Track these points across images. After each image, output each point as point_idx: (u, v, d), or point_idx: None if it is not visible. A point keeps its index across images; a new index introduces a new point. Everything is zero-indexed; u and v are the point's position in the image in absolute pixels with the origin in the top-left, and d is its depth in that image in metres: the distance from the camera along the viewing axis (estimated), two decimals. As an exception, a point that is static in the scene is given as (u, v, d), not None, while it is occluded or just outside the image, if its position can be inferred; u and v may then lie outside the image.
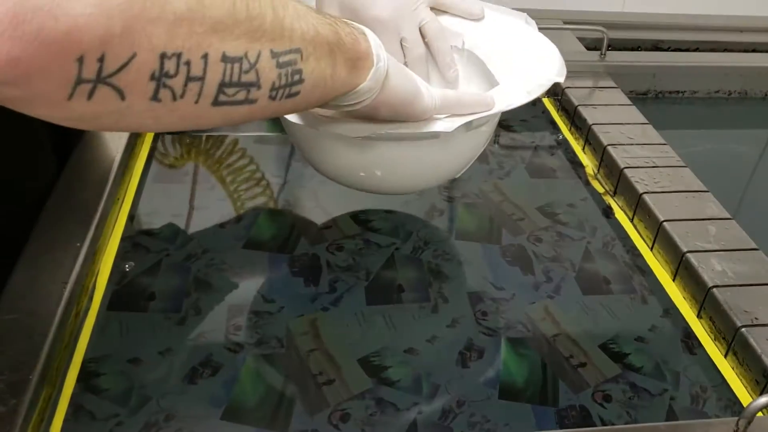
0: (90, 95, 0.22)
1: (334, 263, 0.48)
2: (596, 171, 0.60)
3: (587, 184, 0.59)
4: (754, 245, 0.48)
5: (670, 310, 0.46)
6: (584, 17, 0.80)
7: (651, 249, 0.51)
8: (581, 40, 0.77)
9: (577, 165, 0.61)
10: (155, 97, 0.24)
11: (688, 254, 0.46)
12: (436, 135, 0.38)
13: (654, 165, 0.56)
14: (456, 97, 0.39)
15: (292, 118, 0.37)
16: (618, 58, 0.73)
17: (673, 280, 0.48)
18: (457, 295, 0.46)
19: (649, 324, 0.45)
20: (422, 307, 0.45)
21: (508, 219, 0.53)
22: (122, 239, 0.48)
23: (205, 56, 0.24)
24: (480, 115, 0.38)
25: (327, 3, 0.47)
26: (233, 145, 0.60)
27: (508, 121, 0.67)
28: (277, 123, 0.59)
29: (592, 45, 0.76)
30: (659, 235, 0.50)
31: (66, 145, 0.52)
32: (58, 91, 0.22)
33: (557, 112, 0.69)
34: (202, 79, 0.25)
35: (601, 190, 0.58)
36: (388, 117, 0.36)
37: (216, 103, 0.26)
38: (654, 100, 0.74)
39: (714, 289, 0.43)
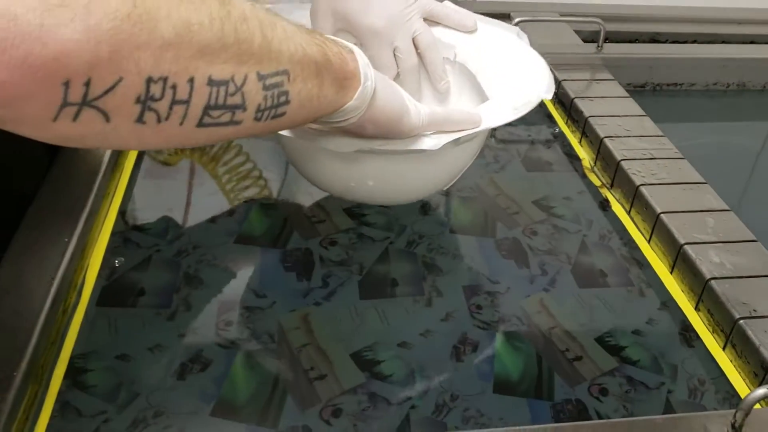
0: (75, 117, 0.22)
1: (327, 258, 0.47)
2: (593, 164, 0.59)
3: (584, 177, 0.58)
4: (752, 237, 0.47)
5: (667, 302, 0.45)
6: (581, 9, 0.79)
7: (648, 241, 0.50)
8: (578, 32, 0.76)
9: (573, 158, 0.61)
10: (140, 120, 0.24)
11: (685, 246, 0.46)
12: (422, 152, 0.38)
13: (651, 157, 0.55)
14: (444, 114, 0.39)
15: (282, 131, 0.37)
16: (615, 51, 0.72)
17: (671, 273, 0.47)
18: (451, 289, 0.45)
19: (646, 317, 0.44)
20: (416, 301, 0.44)
21: (503, 212, 0.53)
22: (112, 234, 0.47)
23: (192, 80, 0.24)
24: (467, 132, 0.39)
25: (322, 13, 0.47)
26: (227, 141, 0.59)
27: (504, 115, 0.66)
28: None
29: (589, 37, 0.75)
30: (657, 228, 0.49)
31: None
32: (43, 114, 0.22)
33: (554, 105, 0.68)
34: (187, 102, 0.25)
35: (597, 183, 0.57)
36: (374, 134, 0.37)
37: (201, 124, 0.26)
38: (651, 93, 0.73)
39: (712, 281, 0.43)
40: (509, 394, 0.38)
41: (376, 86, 0.34)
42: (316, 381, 0.38)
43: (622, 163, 0.54)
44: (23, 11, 0.19)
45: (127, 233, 0.48)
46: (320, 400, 0.37)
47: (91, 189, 0.47)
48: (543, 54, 0.70)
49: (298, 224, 0.50)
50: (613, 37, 0.75)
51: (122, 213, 0.50)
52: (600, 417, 0.37)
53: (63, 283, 0.40)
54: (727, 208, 0.50)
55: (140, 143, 0.25)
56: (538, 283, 0.46)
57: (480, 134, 0.41)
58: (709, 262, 0.44)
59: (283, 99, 0.29)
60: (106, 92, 0.22)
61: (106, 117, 0.23)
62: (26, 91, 0.20)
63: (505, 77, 0.46)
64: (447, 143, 0.37)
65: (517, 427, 0.31)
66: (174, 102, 0.24)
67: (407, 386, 0.38)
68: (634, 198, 0.52)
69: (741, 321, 0.40)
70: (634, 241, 0.51)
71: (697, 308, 0.44)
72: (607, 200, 0.55)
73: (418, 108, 0.38)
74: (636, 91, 0.73)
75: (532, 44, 0.73)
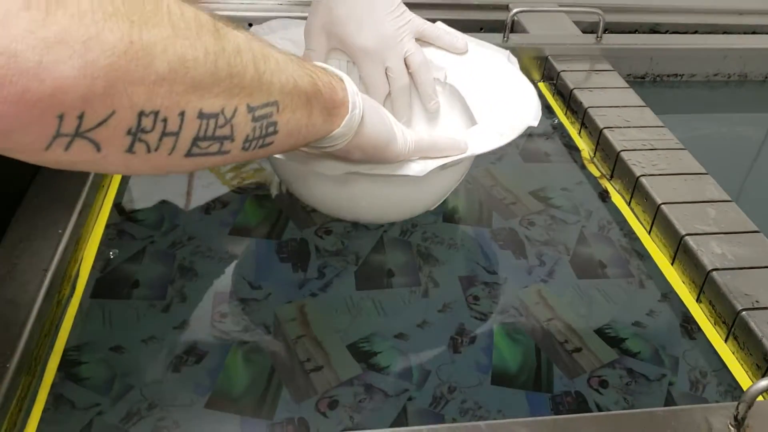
0: (67, 147, 0.22)
1: (323, 248, 0.47)
2: (592, 155, 0.59)
3: (583, 168, 0.57)
4: (754, 227, 0.47)
5: (668, 294, 0.45)
6: (580, 0, 0.79)
7: (649, 232, 0.50)
8: (577, 23, 0.75)
9: (572, 149, 0.60)
10: (130, 150, 0.24)
11: (686, 237, 0.45)
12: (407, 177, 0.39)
13: (652, 148, 0.55)
14: (430, 141, 0.40)
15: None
16: (615, 41, 0.72)
17: (672, 264, 0.47)
18: (447, 279, 0.45)
19: (646, 308, 0.44)
20: (413, 292, 0.44)
21: (499, 203, 0.52)
22: (107, 226, 0.47)
23: (182, 113, 0.25)
24: (453, 159, 0.40)
25: (315, 32, 0.48)
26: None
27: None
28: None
29: (588, 28, 0.74)
30: (657, 218, 0.48)
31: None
32: (36, 143, 0.22)
33: (553, 96, 0.68)
34: (177, 134, 0.25)
35: (597, 174, 0.56)
36: (360, 159, 0.37)
37: (189, 154, 0.26)
38: (652, 84, 0.73)
39: (713, 272, 0.42)
40: (507, 386, 0.38)
41: (364, 114, 0.35)
42: (312, 372, 0.37)
43: (622, 153, 0.54)
44: (23, 48, 0.20)
45: (121, 225, 0.47)
46: (316, 391, 0.36)
47: (86, 181, 0.47)
48: (541, 44, 0.70)
49: (294, 214, 0.49)
50: (612, 28, 0.74)
51: (117, 205, 0.49)
52: (600, 409, 0.37)
53: (57, 275, 0.40)
54: (728, 198, 0.49)
55: (128, 170, 0.26)
56: (536, 274, 0.46)
57: (466, 159, 0.41)
58: (710, 253, 0.44)
59: (271, 129, 0.30)
60: (99, 125, 0.22)
61: (98, 147, 0.23)
62: (20, 124, 0.21)
63: (494, 101, 0.47)
64: (433, 169, 0.38)
65: (516, 420, 0.31)
66: (164, 134, 0.25)
67: (404, 378, 0.38)
68: (634, 189, 0.52)
69: (743, 312, 0.39)
70: (634, 233, 0.50)
71: (698, 300, 0.44)
72: (606, 191, 0.54)
73: (405, 135, 0.38)
74: (636, 82, 0.72)
75: (531, 34, 0.73)
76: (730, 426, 0.31)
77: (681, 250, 0.45)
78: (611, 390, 0.38)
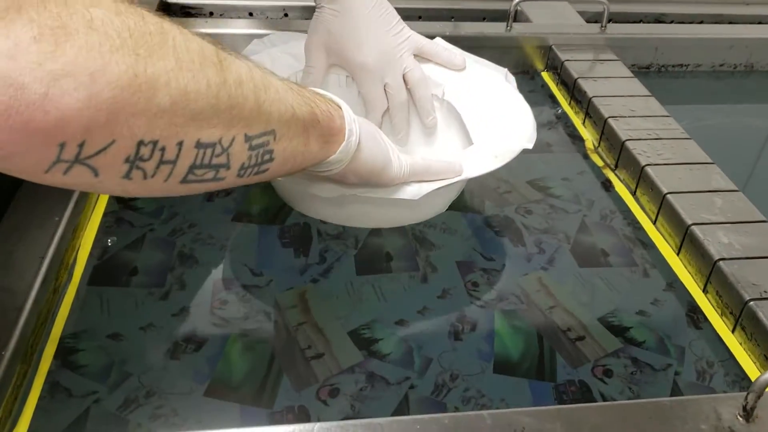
0: (65, 172, 0.23)
1: (325, 231, 0.46)
2: (596, 144, 0.58)
3: (586, 158, 0.57)
4: (761, 217, 0.46)
5: (673, 283, 0.44)
6: (585, -11, 0.78)
7: (654, 222, 0.49)
8: (582, 13, 0.74)
9: (576, 139, 0.59)
10: (127, 176, 0.25)
11: (693, 227, 0.44)
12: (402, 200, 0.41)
13: (657, 137, 0.54)
14: (425, 165, 0.41)
15: None
16: (619, 31, 0.71)
17: (678, 254, 0.46)
18: (445, 264, 0.44)
19: (651, 297, 0.43)
20: (412, 277, 0.43)
21: (493, 192, 0.52)
22: (105, 214, 0.46)
23: (181, 143, 0.25)
24: (447, 182, 0.41)
25: (315, 48, 0.49)
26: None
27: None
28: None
29: (592, 18, 0.73)
30: (663, 208, 0.48)
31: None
32: (36, 167, 0.22)
33: (556, 85, 0.67)
34: (174, 162, 0.26)
35: (600, 163, 0.56)
36: (356, 183, 0.39)
37: (184, 181, 0.27)
38: (657, 74, 0.72)
39: (720, 262, 0.42)
40: (510, 375, 0.37)
41: (361, 139, 0.36)
42: (313, 360, 0.37)
43: (627, 143, 0.53)
44: (30, 81, 0.20)
45: (120, 213, 0.47)
46: (317, 379, 0.36)
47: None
48: (545, 34, 0.70)
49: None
50: (617, 18, 0.73)
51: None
52: (605, 399, 0.36)
53: (53, 262, 0.39)
54: (735, 188, 0.48)
55: (124, 193, 0.26)
56: (536, 261, 0.45)
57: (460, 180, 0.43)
58: (717, 242, 0.43)
59: (267, 157, 0.30)
60: (98, 152, 0.23)
61: (95, 173, 0.24)
62: (22, 150, 0.21)
63: (490, 121, 0.47)
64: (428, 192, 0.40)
65: (519, 409, 0.30)
66: (161, 162, 0.25)
67: (406, 365, 0.37)
68: (640, 178, 0.51)
69: (751, 302, 0.39)
70: (638, 222, 0.49)
71: (704, 290, 0.43)
72: (609, 181, 0.54)
73: (401, 159, 0.39)
74: (641, 72, 0.71)
75: (535, 23, 0.72)
76: (738, 416, 0.30)
77: (687, 240, 0.45)
78: (616, 379, 0.37)
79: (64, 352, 0.36)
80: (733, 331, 0.40)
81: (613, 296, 0.43)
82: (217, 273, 0.43)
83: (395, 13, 0.49)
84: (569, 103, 0.64)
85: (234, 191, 0.50)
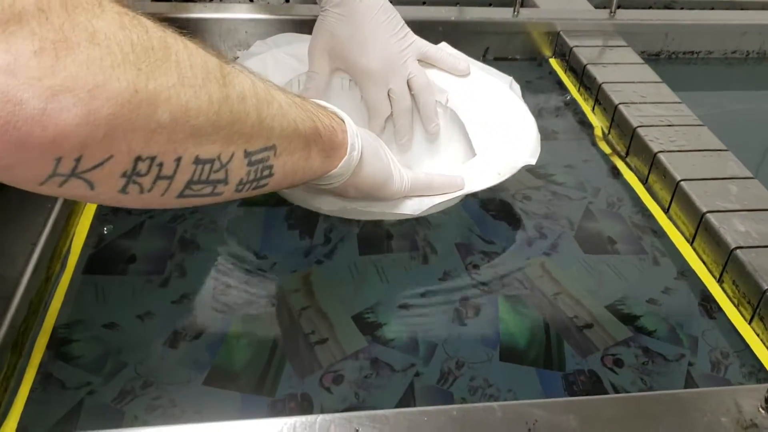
0: (61, 185, 0.23)
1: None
2: (607, 131, 0.56)
3: (593, 145, 0.55)
4: (778, 204, 0.44)
5: (685, 272, 0.43)
6: (593, -26, 0.76)
7: (667, 210, 0.48)
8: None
9: (585, 126, 0.58)
10: (123, 191, 0.24)
11: (708, 214, 0.43)
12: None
13: (669, 124, 0.53)
14: (426, 180, 0.41)
15: None
16: (628, 17, 0.69)
17: (692, 242, 0.45)
18: (444, 245, 0.43)
19: (661, 286, 0.42)
20: (413, 258, 0.42)
21: None
22: (101, 202, 0.45)
23: (179, 159, 0.25)
24: (449, 196, 0.41)
25: (318, 52, 0.48)
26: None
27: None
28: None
29: (601, 4, 0.72)
30: (676, 196, 0.46)
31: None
32: (32, 179, 0.22)
33: (565, 72, 0.65)
34: (171, 177, 0.25)
35: (608, 151, 0.54)
36: (356, 197, 0.38)
37: (181, 196, 0.27)
38: (667, 61, 0.70)
39: (737, 251, 0.40)
40: (517, 363, 0.36)
41: (363, 154, 0.35)
42: (316, 345, 0.36)
43: (639, 129, 0.52)
44: (29, 96, 0.20)
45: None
46: (321, 366, 0.35)
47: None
48: (553, 20, 0.68)
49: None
50: (626, 4, 0.72)
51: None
52: (616, 389, 0.35)
53: (46, 250, 0.38)
54: (750, 175, 0.47)
55: (119, 204, 0.26)
56: (538, 246, 0.44)
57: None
58: (733, 231, 0.42)
59: (266, 172, 0.30)
60: (95, 167, 0.23)
61: (91, 186, 0.23)
62: (18, 163, 0.21)
63: (493, 131, 0.47)
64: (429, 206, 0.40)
65: (531, 401, 0.29)
66: (158, 177, 0.25)
67: (410, 352, 0.36)
68: (652, 165, 0.49)
69: (769, 291, 0.37)
70: (647, 210, 0.48)
71: (720, 279, 0.42)
72: (617, 168, 0.52)
73: (402, 174, 0.39)
74: (650, 59, 0.69)
75: (542, 9, 0.70)
76: (760, 409, 0.29)
77: (702, 228, 0.43)
78: (627, 369, 0.36)
79: (57, 343, 0.35)
80: (750, 322, 0.39)
81: (622, 284, 0.42)
82: (220, 258, 0.41)
83: (399, 17, 0.48)
84: (578, 90, 0.63)
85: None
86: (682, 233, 0.46)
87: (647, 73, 0.60)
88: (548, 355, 0.36)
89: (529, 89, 0.63)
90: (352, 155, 0.34)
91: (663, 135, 0.51)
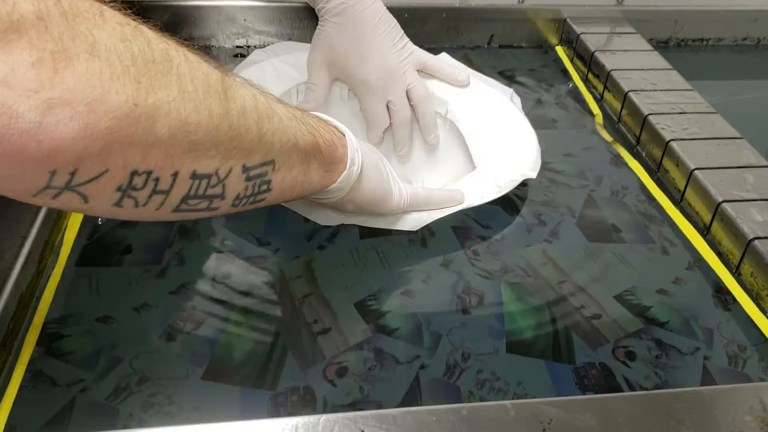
0: (54, 197, 0.22)
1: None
2: (617, 119, 0.55)
3: (593, 134, 0.54)
4: (796, 194, 0.43)
5: (696, 263, 0.41)
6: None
7: (680, 199, 0.46)
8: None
9: (586, 114, 0.56)
10: (118, 205, 0.24)
11: (723, 204, 0.41)
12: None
13: (681, 111, 0.51)
14: (425, 196, 0.41)
15: None
16: (637, 3, 0.67)
17: (706, 232, 0.43)
18: (441, 229, 0.42)
19: (672, 276, 0.40)
20: (411, 241, 0.41)
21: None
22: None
23: (175, 174, 0.24)
24: (448, 211, 0.41)
25: (317, 63, 0.48)
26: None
27: (513, 71, 0.62)
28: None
29: (608, -10, 0.70)
30: (690, 184, 0.45)
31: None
32: (25, 191, 0.22)
33: (571, 60, 0.64)
34: (167, 192, 0.25)
35: (609, 139, 0.53)
36: (354, 211, 0.38)
37: (177, 210, 0.26)
38: (676, 49, 0.69)
39: (755, 241, 0.39)
40: (525, 355, 0.34)
41: (363, 169, 0.35)
42: (319, 335, 0.35)
43: (650, 117, 0.50)
44: (25, 110, 0.19)
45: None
46: (324, 357, 0.33)
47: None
48: (559, 6, 0.66)
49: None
50: (634, -9, 0.70)
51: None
52: (630, 384, 0.33)
53: (37, 242, 0.37)
54: (766, 164, 0.45)
55: (113, 217, 0.26)
56: (538, 233, 0.43)
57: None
58: (750, 220, 0.40)
59: (264, 187, 0.29)
60: (89, 181, 0.22)
61: (85, 199, 0.23)
62: (11, 175, 0.21)
63: (494, 144, 0.46)
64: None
65: (545, 399, 0.27)
66: (154, 192, 0.24)
67: (415, 343, 0.35)
68: (664, 154, 0.48)
69: (789, 283, 0.36)
70: (654, 198, 0.46)
71: (737, 270, 0.40)
72: (620, 156, 0.51)
73: (401, 189, 0.39)
74: (659, 47, 0.68)
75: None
76: (785, 404, 0.27)
77: (718, 218, 0.42)
78: (640, 363, 0.34)
79: (48, 339, 0.34)
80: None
81: (629, 273, 0.40)
82: (221, 246, 0.40)
83: (399, 27, 0.47)
84: (586, 77, 0.61)
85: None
86: (695, 223, 0.44)
87: (657, 60, 0.59)
88: (557, 347, 0.35)
89: (531, 77, 0.61)
90: (351, 170, 0.34)
91: (675, 123, 0.49)
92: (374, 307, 0.36)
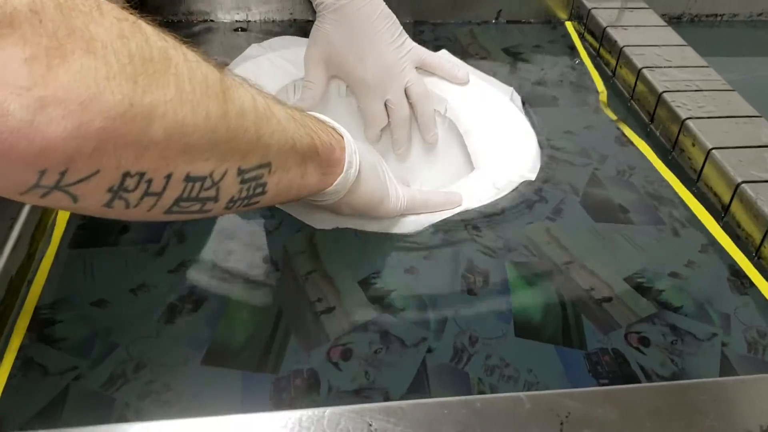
0: (43, 196, 0.22)
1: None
2: (630, 96, 0.53)
3: (596, 111, 0.52)
4: (818, 175, 0.41)
5: (710, 245, 0.40)
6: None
7: (697, 180, 0.44)
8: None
9: (590, 92, 0.54)
10: (108, 205, 0.23)
11: (743, 185, 0.40)
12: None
13: (697, 89, 0.49)
14: (423, 199, 0.40)
15: None
16: (650, -24, 0.65)
17: (724, 214, 0.42)
18: None
19: (684, 259, 0.38)
20: None
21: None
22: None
23: (169, 176, 0.24)
24: (446, 214, 0.40)
25: (315, 61, 0.46)
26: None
27: (517, 48, 0.59)
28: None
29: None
30: (707, 164, 0.43)
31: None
32: (13, 189, 0.21)
33: (580, 36, 0.61)
34: (159, 194, 0.24)
35: (614, 117, 0.51)
36: (350, 214, 0.37)
37: (168, 212, 0.25)
38: (689, 24, 0.66)
39: (776, 222, 0.37)
40: (534, 339, 0.33)
41: (360, 172, 0.35)
42: (323, 315, 0.33)
43: (665, 95, 0.48)
44: (16, 108, 0.19)
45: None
46: (328, 338, 0.32)
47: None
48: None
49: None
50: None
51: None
52: (645, 372, 0.32)
53: (27, 225, 0.35)
54: (787, 143, 0.44)
55: (104, 216, 0.25)
56: (539, 210, 0.41)
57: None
58: (770, 201, 0.39)
59: (259, 190, 0.29)
60: (80, 181, 0.22)
61: (74, 199, 0.22)
62: (0, 173, 0.20)
63: (492, 144, 0.45)
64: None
65: (561, 391, 0.26)
66: (146, 194, 0.24)
67: (421, 325, 0.33)
68: (680, 132, 0.46)
69: (813, 266, 0.35)
70: (663, 179, 0.45)
71: (757, 254, 0.39)
72: (624, 135, 0.49)
73: (399, 193, 0.38)
74: (672, 22, 0.65)
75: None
76: (812, 394, 0.26)
77: (737, 199, 0.40)
78: (654, 349, 0.33)
79: (39, 325, 0.32)
80: (789, 299, 0.36)
81: (639, 255, 0.39)
82: (223, 221, 0.38)
83: (398, 23, 0.46)
84: (598, 53, 0.59)
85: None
86: (712, 204, 0.43)
87: (671, 35, 0.56)
88: (567, 331, 0.34)
89: (537, 53, 0.59)
90: (348, 173, 0.34)
91: (691, 100, 0.48)
92: (378, 285, 0.35)
